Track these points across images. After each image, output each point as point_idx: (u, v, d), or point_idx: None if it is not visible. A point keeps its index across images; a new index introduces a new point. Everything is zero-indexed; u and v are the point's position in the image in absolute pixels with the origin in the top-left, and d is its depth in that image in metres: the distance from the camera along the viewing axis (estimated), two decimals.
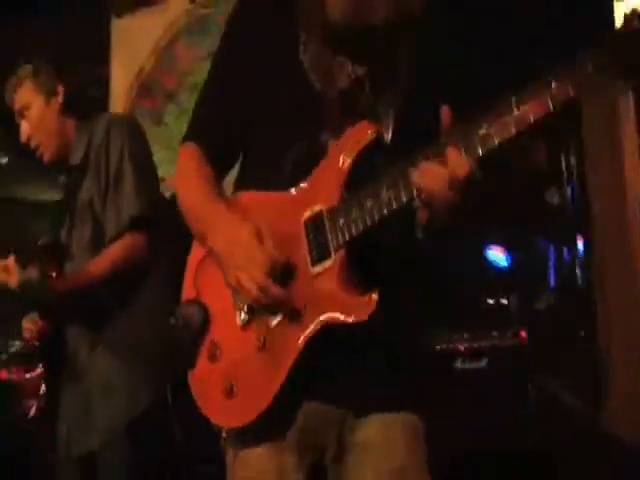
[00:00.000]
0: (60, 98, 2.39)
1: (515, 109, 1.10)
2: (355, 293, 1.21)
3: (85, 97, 2.57)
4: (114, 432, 2.11)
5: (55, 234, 2.35)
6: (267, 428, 1.29)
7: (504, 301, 3.64)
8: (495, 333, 2.88)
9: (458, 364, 2.86)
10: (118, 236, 2.20)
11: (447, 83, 1.34)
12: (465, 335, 2.91)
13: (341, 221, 1.23)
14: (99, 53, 4.01)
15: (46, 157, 2.40)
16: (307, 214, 1.28)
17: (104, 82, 3.99)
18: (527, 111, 1.09)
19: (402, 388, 1.29)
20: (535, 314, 3.61)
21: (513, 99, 1.10)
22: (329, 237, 1.24)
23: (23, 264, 2.22)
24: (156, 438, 2.14)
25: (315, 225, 1.27)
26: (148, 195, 2.25)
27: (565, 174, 3.46)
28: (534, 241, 3.93)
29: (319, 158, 1.30)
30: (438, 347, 2.95)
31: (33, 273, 2.22)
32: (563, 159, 3.46)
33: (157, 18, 3.90)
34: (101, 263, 2.20)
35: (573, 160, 3.46)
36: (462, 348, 2.87)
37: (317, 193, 1.28)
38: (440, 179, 1.14)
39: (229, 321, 1.34)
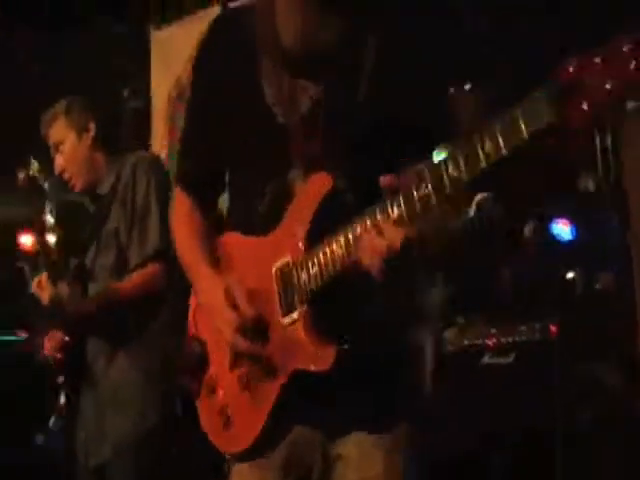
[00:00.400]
0: (91, 134, 2.59)
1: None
2: (319, 343, 1.28)
3: (114, 132, 2.79)
4: (123, 445, 2.31)
5: (81, 257, 2.58)
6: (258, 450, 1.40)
7: (570, 275, 3.60)
8: (523, 327, 2.89)
9: (485, 359, 2.90)
10: (142, 265, 2.42)
11: (410, 94, 1.33)
12: (493, 330, 2.94)
13: (303, 275, 1.30)
14: (139, 65, 4.18)
15: (77, 187, 2.60)
16: (277, 264, 1.35)
17: (145, 93, 4.17)
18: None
19: (378, 411, 1.35)
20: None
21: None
22: (295, 290, 1.31)
23: (54, 281, 2.47)
24: (164, 454, 2.30)
25: (284, 276, 1.34)
26: (169, 230, 2.38)
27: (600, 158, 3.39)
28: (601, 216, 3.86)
29: (289, 197, 1.36)
30: (466, 342, 3.00)
31: (63, 290, 2.47)
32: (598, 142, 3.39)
33: (194, 28, 4.00)
34: (125, 287, 2.42)
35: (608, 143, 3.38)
36: (490, 343, 2.91)
37: (286, 242, 1.35)
38: (377, 252, 1.18)
39: (222, 359, 1.44)
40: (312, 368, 1.28)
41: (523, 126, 0.99)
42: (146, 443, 2.28)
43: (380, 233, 1.18)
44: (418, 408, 1.44)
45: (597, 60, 0.93)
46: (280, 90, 1.39)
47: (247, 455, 1.42)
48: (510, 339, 2.88)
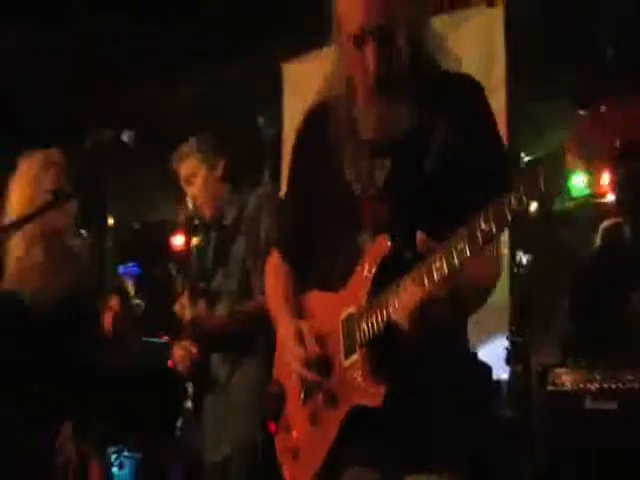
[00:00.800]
0: (220, 170, 2.86)
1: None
2: (373, 382, 1.46)
3: (245, 163, 3.00)
4: (240, 444, 2.56)
5: (208, 280, 2.84)
6: None
7: None
8: (630, 376, 2.85)
9: (588, 404, 2.88)
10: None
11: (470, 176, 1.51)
12: (597, 375, 2.92)
13: (363, 324, 1.49)
14: (273, 95, 4.44)
15: (206, 215, 2.87)
16: (344, 315, 1.55)
17: (278, 121, 4.42)
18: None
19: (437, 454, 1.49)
20: None
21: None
22: (356, 336, 1.50)
23: (194, 301, 2.79)
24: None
25: (348, 325, 1.54)
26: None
27: None
28: None
29: (360, 257, 1.55)
30: (568, 386, 3.00)
31: (201, 310, 2.78)
32: None
33: (321, 62, 4.21)
34: (250, 310, 2.63)
35: None
36: (593, 388, 2.89)
37: (352, 296, 1.55)
38: (401, 311, 1.38)
39: (295, 399, 1.66)
40: (367, 404, 1.46)
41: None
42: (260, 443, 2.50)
43: (405, 292, 1.38)
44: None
45: None
46: (359, 169, 1.61)
47: None
48: (614, 385, 2.85)
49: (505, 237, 3.66)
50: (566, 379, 2.95)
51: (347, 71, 1.61)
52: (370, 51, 1.52)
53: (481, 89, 1.64)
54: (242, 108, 4.32)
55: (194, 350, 2.77)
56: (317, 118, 1.72)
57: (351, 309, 1.54)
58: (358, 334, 1.50)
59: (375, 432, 1.50)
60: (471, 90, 1.61)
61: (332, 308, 1.60)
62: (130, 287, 5.49)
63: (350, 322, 1.53)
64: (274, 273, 1.82)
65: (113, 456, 4.40)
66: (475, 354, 1.68)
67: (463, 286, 1.40)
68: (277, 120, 4.52)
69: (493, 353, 3.41)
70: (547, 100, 4.75)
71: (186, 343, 2.80)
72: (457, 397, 1.53)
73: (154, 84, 4.99)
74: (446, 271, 1.31)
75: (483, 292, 1.55)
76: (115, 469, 4.45)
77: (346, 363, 1.53)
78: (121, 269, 7.12)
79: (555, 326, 3.97)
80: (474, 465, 1.53)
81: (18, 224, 2.65)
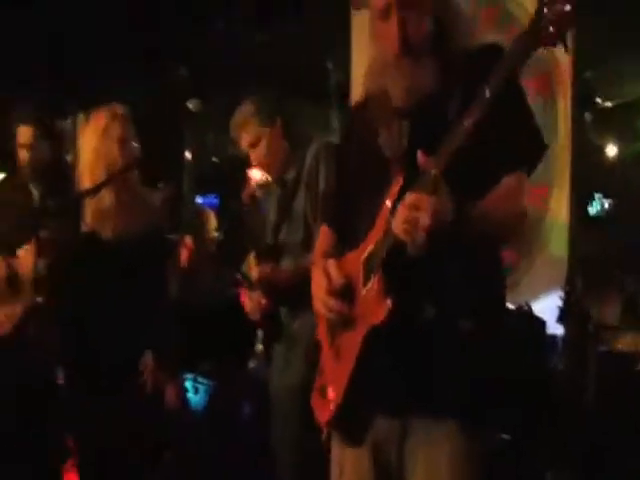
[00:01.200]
0: (280, 127, 2.93)
1: None
2: (381, 300, 1.59)
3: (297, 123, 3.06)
4: (299, 383, 2.72)
5: (275, 234, 2.98)
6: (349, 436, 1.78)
7: None
8: None
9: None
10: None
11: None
12: None
13: (378, 253, 1.64)
14: (341, 42, 4.48)
15: (272, 175, 3.01)
16: (365, 253, 1.70)
17: (347, 67, 4.48)
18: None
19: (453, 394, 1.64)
20: None
21: None
22: (372, 265, 1.65)
23: (258, 261, 2.97)
24: None
25: (368, 259, 1.68)
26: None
27: None
28: None
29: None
30: (622, 348, 3.04)
31: (266, 269, 2.94)
32: None
33: None
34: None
35: None
36: None
37: (374, 235, 1.69)
38: (398, 223, 1.50)
39: (326, 342, 1.85)
40: (374, 321, 1.60)
41: None
42: None
43: (401, 205, 1.49)
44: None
45: None
46: (389, 133, 1.75)
47: (338, 420, 1.75)
48: None
49: (566, 178, 3.64)
50: (621, 341, 3.00)
51: (380, 48, 1.73)
52: (394, 18, 1.66)
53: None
54: (313, 55, 4.39)
55: (263, 302, 2.94)
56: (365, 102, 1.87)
57: (370, 246, 1.68)
58: (375, 261, 1.64)
59: (391, 370, 1.66)
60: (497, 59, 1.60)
61: (357, 255, 1.74)
62: (212, 218, 5.62)
63: (370, 256, 1.68)
64: (319, 250, 2.00)
65: (188, 382, 4.70)
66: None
67: (472, 210, 1.53)
68: (346, 65, 4.59)
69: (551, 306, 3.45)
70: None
71: (256, 295, 2.97)
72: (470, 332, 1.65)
73: (233, 30, 5.09)
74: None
75: (501, 225, 1.63)
76: (190, 394, 4.75)
77: (364, 291, 1.67)
78: (200, 200, 7.36)
79: (618, 283, 3.92)
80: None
81: (99, 187, 2.88)
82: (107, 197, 3.06)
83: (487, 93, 1.41)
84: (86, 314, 3.09)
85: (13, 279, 3.64)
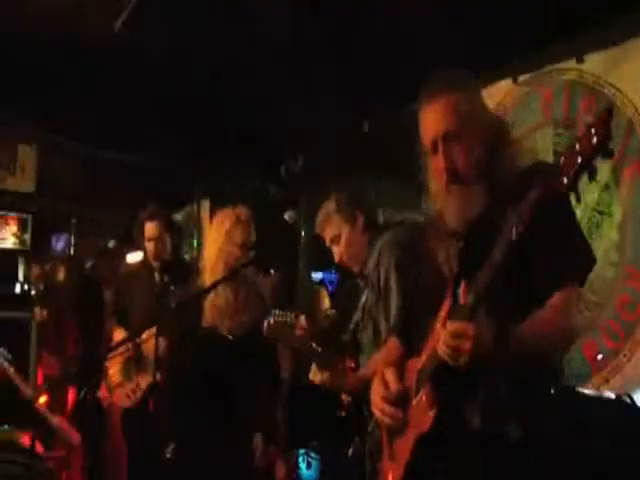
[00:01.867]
0: (360, 223, 3.02)
1: None
2: (427, 410, 1.76)
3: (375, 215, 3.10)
4: None
5: (352, 332, 3.01)
6: None
7: None
8: None
9: None
10: (386, 341, 2.60)
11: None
12: None
13: (427, 368, 1.80)
14: None
15: (355, 270, 3.06)
16: (418, 366, 1.87)
17: None
18: None
19: None
20: None
21: None
22: (423, 379, 1.82)
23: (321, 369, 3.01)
24: None
25: (419, 371, 1.85)
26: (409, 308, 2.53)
27: None
28: None
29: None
30: None
31: (326, 377, 2.98)
32: None
33: (490, 98, 4.38)
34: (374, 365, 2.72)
35: None
36: None
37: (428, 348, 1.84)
38: (441, 345, 1.70)
39: (385, 445, 2.01)
40: (419, 430, 1.75)
41: None
42: None
43: (443, 329, 1.68)
44: None
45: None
46: (445, 254, 1.92)
47: None
48: None
49: None
50: None
51: (434, 177, 1.94)
52: (441, 149, 1.87)
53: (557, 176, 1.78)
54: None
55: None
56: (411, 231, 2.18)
57: (424, 358, 1.84)
58: (425, 374, 1.80)
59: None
60: (547, 180, 1.71)
61: (416, 364, 1.90)
62: (325, 297, 5.81)
63: (422, 368, 1.83)
64: (387, 348, 2.21)
65: (301, 457, 4.88)
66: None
67: (515, 334, 1.65)
68: None
69: None
70: None
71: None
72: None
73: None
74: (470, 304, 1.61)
75: (545, 345, 1.75)
76: (303, 468, 4.92)
77: (414, 401, 1.83)
78: (319, 275, 7.60)
79: None
80: None
81: (217, 284, 3.16)
82: (224, 294, 3.36)
83: (513, 234, 1.56)
84: (200, 399, 3.36)
85: (139, 358, 4.01)
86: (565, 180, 1.46)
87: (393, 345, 2.17)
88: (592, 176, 1.48)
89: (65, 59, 4.85)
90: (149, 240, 4.19)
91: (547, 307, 1.73)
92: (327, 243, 3.10)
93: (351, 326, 3.05)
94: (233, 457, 3.43)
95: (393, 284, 2.71)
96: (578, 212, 3.70)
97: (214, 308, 3.40)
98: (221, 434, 3.38)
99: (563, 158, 1.47)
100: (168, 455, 3.37)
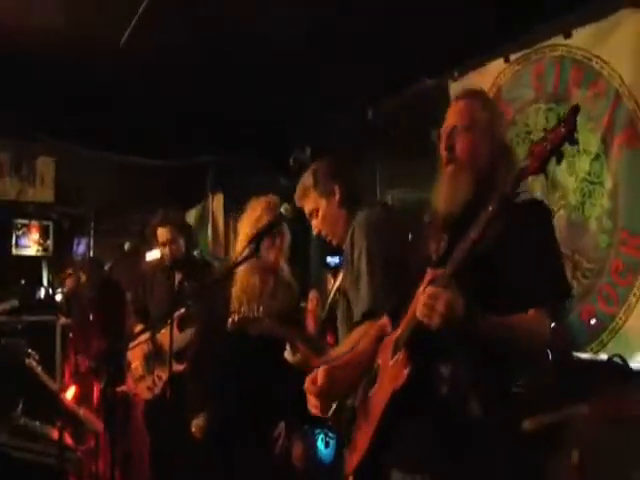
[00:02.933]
0: (337, 197, 2.89)
1: None
2: (402, 368, 1.89)
3: (356, 190, 3.00)
4: None
5: (329, 309, 3.06)
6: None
7: None
8: None
9: None
10: (358, 324, 2.64)
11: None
12: None
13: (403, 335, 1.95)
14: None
15: (334, 242, 2.97)
16: (395, 336, 2.02)
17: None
18: None
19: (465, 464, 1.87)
20: None
21: None
22: (400, 345, 1.97)
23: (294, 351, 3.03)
24: None
25: (396, 340, 2.01)
26: (380, 291, 2.58)
27: None
28: None
29: None
30: None
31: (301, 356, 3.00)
32: None
33: (484, 79, 4.51)
34: (344, 347, 2.67)
35: None
36: None
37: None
38: (418, 307, 1.83)
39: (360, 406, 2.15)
40: (394, 386, 1.87)
41: None
42: None
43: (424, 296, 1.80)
44: None
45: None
46: (438, 246, 2.06)
47: (359, 471, 2.02)
48: None
49: None
50: None
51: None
52: (447, 133, 2.12)
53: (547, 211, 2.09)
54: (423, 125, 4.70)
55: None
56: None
57: (400, 330, 1.99)
58: (402, 340, 1.95)
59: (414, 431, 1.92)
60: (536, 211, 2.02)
61: (392, 336, 2.05)
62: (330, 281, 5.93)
63: (399, 337, 1.99)
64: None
65: (320, 436, 5.03)
66: None
67: (486, 317, 1.80)
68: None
69: None
70: None
71: None
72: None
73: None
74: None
75: (514, 340, 1.88)
76: (321, 448, 5.07)
77: (391, 363, 1.97)
78: (335, 259, 7.72)
79: None
80: None
81: (236, 265, 3.18)
82: (252, 280, 3.46)
83: (490, 208, 1.74)
84: (226, 383, 3.49)
85: (158, 352, 4.19)
86: (536, 166, 1.68)
87: (387, 325, 2.23)
88: (559, 160, 1.69)
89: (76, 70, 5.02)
90: (163, 245, 4.33)
91: (525, 315, 1.90)
92: (307, 215, 3.03)
93: (328, 302, 3.10)
94: (257, 442, 3.55)
95: (364, 270, 2.64)
96: (571, 182, 3.91)
97: (242, 293, 3.48)
98: (249, 418, 3.48)
99: (536, 146, 1.69)
100: (193, 429, 3.50)
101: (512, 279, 1.87)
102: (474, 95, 2.26)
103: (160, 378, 4.22)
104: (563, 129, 1.65)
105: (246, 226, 3.55)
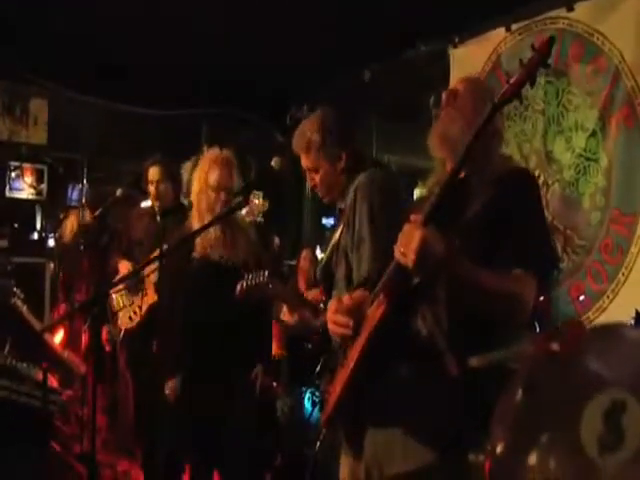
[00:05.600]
0: (342, 164, 2.78)
1: None
2: (381, 306, 1.90)
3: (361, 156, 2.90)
4: None
5: (323, 267, 2.94)
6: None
7: None
8: None
9: None
10: (355, 289, 2.52)
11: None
12: None
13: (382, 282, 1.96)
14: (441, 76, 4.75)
15: (326, 201, 2.92)
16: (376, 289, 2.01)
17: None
18: None
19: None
20: None
21: None
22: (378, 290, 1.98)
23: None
24: None
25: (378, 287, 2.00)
26: (382, 256, 2.41)
27: None
28: None
29: None
30: None
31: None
32: None
33: (484, 46, 4.49)
34: None
35: None
36: None
37: None
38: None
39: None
40: (374, 321, 1.88)
41: None
42: None
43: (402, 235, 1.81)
44: None
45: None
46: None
47: (331, 420, 2.05)
48: None
49: None
50: None
51: None
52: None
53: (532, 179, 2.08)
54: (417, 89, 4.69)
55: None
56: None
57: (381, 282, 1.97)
58: (380, 286, 1.95)
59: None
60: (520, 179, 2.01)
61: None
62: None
63: (381, 282, 1.97)
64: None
65: (306, 395, 5.12)
66: None
67: (466, 263, 1.79)
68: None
69: None
70: None
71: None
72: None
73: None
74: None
75: (493, 295, 1.82)
76: (308, 407, 5.16)
77: (369, 310, 1.96)
78: (330, 220, 7.77)
79: None
80: None
81: (209, 224, 3.29)
82: (212, 231, 3.53)
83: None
84: (200, 319, 3.53)
85: (140, 282, 4.26)
86: (512, 89, 1.80)
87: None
88: (532, 84, 1.83)
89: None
90: (151, 183, 4.45)
91: (508, 272, 1.85)
92: (303, 166, 2.91)
93: (322, 261, 3.02)
94: (235, 388, 3.59)
95: (366, 235, 2.59)
96: (567, 157, 3.93)
97: (203, 241, 3.56)
98: (223, 366, 3.53)
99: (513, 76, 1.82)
100: (167, 391, 3.57)
101: (500, 245, 1.85)
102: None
103: (141, 308, 4.30)
104: (537, 55, 1.78)
105: (195, 178, 3.63)
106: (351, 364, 1.93)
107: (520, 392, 0.81)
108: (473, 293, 1.81)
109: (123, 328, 4.46)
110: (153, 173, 4.47)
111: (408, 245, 1.73)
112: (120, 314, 4.47)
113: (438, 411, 1.84)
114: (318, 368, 2.86)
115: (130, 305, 4.42)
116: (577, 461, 0.72)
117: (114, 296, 4.46)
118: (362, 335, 1.93)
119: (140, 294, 4.31)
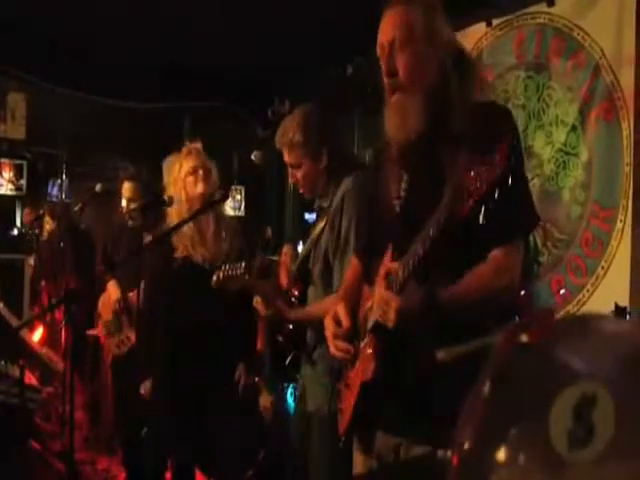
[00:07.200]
0: (324, 161, 2.80)
1: None
2: (369, 361, 1.88)
3: (343, 154, 2.94)
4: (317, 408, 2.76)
5: (300, 263, 2.96)
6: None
7: None
8: None
9: None
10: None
11: None
12: None
13: (371, 317, 1.93)
14: None
15: (306, 196, 2.96)
16: (368, 305, 1.99)
17: None
18: None
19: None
20: None
21: None
22: (368, 325, 1.95)
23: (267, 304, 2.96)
24: None
25: (365, 317, 2.00)
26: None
27: None
28: None
29: None
30: None
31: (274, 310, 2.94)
32: None
33: (466, 41, 4.47)
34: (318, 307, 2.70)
35: None
36: None
37: (373, 292, 1.96)
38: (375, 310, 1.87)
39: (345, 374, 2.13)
40: (364, 378, 1.88)
41: None
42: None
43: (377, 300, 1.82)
44: None
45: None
46: (398, 187, 1.94)
47: (349, 432, 2.04)
48: None
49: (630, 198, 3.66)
50: None
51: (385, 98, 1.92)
52: (385, 54, 1.85)
53: (508, 114, 1.88)
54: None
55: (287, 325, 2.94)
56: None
57: (370, 302, 1.95)
58: (370, 325, 1.91)
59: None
60: (497, 116, 1.82)
61: (368, 298, 2.00)
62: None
63: (367, 317, 1.96)
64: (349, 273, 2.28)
65: (289, 390, 5.11)
66: None
67: (447, 297, 1.71)
68: None
69: None
70: None
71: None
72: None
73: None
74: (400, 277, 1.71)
75: (482, 301, 1.77)
76: (290, 402, 5.15)
77: (362, 344, 1.95)
78: (313, 216, 7.73)
79: None
80: None
81: (187, 220, 3.29)
82: (190, 225, 3.45)
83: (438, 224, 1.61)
84: (182, 324, 3.50)
85: (129, 312, 4.22)
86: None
87: (354, 267, 2.23)
88: None
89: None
90: (125, 198, 4.42)
91: (488, 260, 1.76)
92: (285, 162, 2.92)
93: (299, 257, 3.04)
94: (217, 388, 3.58)
95: (352, 240, 2.61)
96: (547, 151, 3.94)
97: (182, 236, 3.49)
98: (205, 367, 3.52)
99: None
100: (142, 391, 3.53)
101: (478, 225, 1.59)
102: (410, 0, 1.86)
103: (129, 339, 4.24)
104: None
105: (169, 168, 3.60)
106: (352, 400, 1.97)
107: (488, 385, 0.79)
108: (462, 311, 1.76)
109: (111, 355, 4.44)
110: (127, 189, 4.45)
111: (386, 313, 1.74)
112: (109, 340, 4.43)
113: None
114: (287, 361, 2.95)
115: (118, 332, 4.36)
116: (546, 457, 0.71)
117: (103, 316, 4.43)
118: (358, 375, 1.95)
119: (130, 324, 4.26)
